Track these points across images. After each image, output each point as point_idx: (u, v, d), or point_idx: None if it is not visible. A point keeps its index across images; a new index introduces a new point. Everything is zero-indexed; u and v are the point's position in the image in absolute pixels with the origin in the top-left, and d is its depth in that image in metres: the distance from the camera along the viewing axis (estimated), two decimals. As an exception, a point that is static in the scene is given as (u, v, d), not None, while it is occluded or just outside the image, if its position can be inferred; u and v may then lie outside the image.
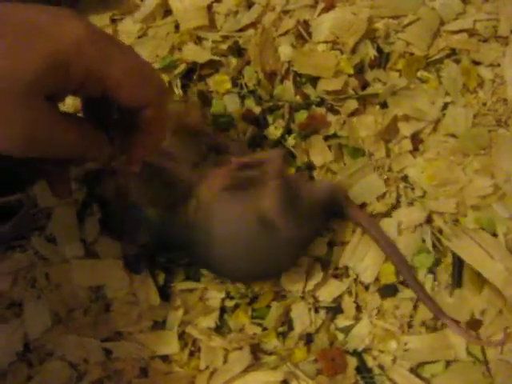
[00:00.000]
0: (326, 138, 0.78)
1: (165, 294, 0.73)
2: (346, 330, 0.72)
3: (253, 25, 0.82)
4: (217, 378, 0.70)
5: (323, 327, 0.72)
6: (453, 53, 0.80)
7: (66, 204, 0.75)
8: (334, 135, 0.78)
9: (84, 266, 0.74)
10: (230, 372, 0.69)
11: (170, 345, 0.72)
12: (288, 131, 0.78)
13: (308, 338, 0.72)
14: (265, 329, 0.72)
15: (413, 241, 0.74)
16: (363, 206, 0.75)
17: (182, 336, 0.72)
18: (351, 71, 0.79)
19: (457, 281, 0.73)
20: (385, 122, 0.77)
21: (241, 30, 0.82)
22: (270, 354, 0.71)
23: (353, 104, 0.78)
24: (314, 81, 0.79)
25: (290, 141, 0.78)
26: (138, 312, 0.72)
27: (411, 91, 0.79)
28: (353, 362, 0.71)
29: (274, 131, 0.78)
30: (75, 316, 0.73)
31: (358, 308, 0.73)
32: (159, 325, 0.73)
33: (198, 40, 0.81)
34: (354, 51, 0.80)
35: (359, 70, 0.80)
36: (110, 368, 0.71)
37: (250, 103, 0.79)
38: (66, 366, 0.71)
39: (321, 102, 0.79)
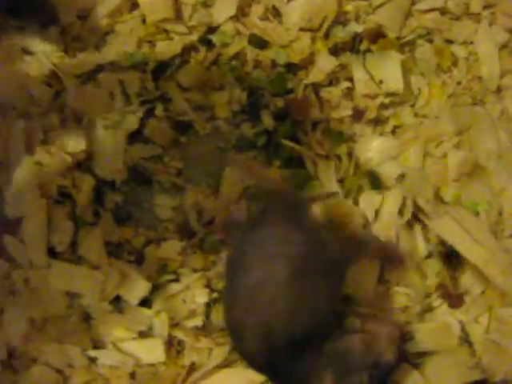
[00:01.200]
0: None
1: (147, 302, 0.73)
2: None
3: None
4: (199, 374, 0.69)
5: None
6: (426, 33, 0.79)
7: (38, 210, 0.73)
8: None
9: (61, 270, 0.73)
10: (210, 367, 0.69)
11: (156, 353, 0.71)
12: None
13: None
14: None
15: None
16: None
17: (168, 338, 0.72)
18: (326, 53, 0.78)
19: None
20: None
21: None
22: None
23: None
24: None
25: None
26: (120, 321, 0.72)
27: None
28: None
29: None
30: (54, 323, 0.72)
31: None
32: (145, 333, 0.72)
33: (165, 32, 0.80)
34: (327, 36, 0.79)
35: (333, 53, 0.79)
36: (96, 371, 0.71)
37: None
38: (52, 371, 0.71)
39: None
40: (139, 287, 0.72)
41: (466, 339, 0.70)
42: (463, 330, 0.71)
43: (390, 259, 0.73)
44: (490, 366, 0.69)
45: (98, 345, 0.72)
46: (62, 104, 0.78)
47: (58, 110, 0.78)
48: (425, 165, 0.76)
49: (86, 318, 0.73)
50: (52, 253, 0.73)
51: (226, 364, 0.69)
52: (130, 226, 0.76)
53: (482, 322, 0.71)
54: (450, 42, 0.79)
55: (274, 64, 0.78)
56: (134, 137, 0.78)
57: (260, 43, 0.79)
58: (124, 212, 0.77)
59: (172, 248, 0.74)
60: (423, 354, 0.70)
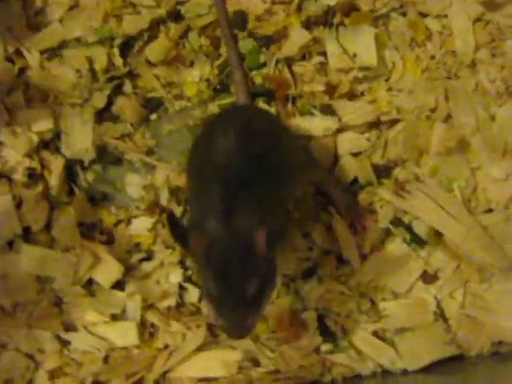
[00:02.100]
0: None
1: (120, 284, 0.71)
2: (305, 293, 0.71)
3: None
4: (175, 357, 0.68)
5: (281, 292, 0.71)
6: (399, 6, 0.78)
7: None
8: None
9: (33, 254, 0.71)
10: (186, 350, 0.68)
11: (129, 336, 0.70)
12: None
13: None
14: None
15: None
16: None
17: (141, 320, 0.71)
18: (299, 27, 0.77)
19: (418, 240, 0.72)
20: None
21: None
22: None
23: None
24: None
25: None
26: (92, 304, 0.71)
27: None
28: (312, 319, 0.70)
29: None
30: (25, 309, 0.70)
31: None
32: (118, 316, 0.71)
33: (132, 6, 0.77)
34: (299, 9, 0.78)
35: (306, 27, 0.77)
36: (68, 356, 0.70)
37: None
38: (22, 357, 0.69)
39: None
40: (112, 270, 0.71)
41: (441, 315, 0.70)
42: (438, 305, 0.71)
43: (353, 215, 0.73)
44: (466, 341, 0.69)
45: (69, 329, 0.71)
46: (27, 82, 0.76)
47: (23, 88, 0.76)
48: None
49: (58, 302, 0.71)
50: (23, 237, 0.72)
51: (200, 346, 0.68)
52: (105, 206, 0.75)
53: (457, 298, 0.71)
54: (423, 15, 0.78)
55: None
56: (103, 115, 0.77)
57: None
58: (98, 192, 0.76)
59: (142, 225, 0.74)
60: (399, 331, 0.70)
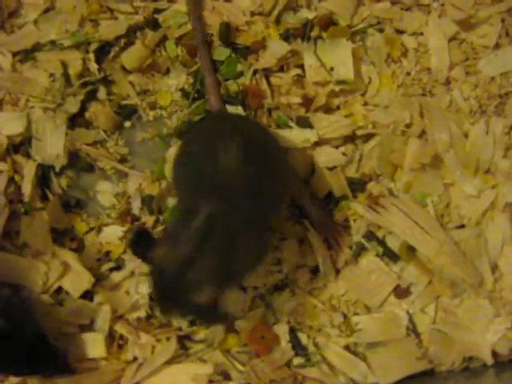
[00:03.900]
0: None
1: (89, 294, 0.70)
2: (278, 306, 0.71)
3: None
4: (144, 370, 0.67)
5: (253, 305, 0.71)
6: (376, 22, 0.79)
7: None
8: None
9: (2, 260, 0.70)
10: (156, 363, 0.67)
11: (97, 348, 0.68)
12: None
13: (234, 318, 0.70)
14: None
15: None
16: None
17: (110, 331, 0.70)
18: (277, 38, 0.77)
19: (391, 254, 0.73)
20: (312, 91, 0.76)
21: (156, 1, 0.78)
22: (200, 342, 0.69)
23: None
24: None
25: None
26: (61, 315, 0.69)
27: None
28: (284, 333, 0.70)
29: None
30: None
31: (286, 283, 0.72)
32: (86, 326, 0.69)
33: (110, 11, 0.76)
34: (278, 21, 0.78)
35: (284, 39, 0.77)
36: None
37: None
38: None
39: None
40: (82, 280, 0.70)
41: (413, 329, 0.71)
42: (410, 320, 0.71)
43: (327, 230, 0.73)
44: (437, 356, 0.69)
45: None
46: (-2, 84, 0.74)
47: (-7, 90, 0.74)
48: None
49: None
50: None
51: (170, 359, 0.67)
52: (77, 212, 0.74)
53: (428, 313, 0.71)
54: (400, 32, 0.79)
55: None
56: (75, 120, 0.75)
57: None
58: (72, 198, 0.75)
59: (113, 233, 0.73)
60: (371, 345, 0.70)
